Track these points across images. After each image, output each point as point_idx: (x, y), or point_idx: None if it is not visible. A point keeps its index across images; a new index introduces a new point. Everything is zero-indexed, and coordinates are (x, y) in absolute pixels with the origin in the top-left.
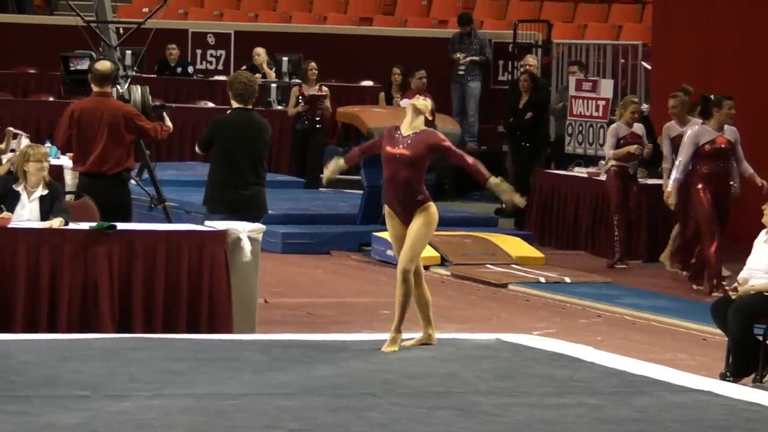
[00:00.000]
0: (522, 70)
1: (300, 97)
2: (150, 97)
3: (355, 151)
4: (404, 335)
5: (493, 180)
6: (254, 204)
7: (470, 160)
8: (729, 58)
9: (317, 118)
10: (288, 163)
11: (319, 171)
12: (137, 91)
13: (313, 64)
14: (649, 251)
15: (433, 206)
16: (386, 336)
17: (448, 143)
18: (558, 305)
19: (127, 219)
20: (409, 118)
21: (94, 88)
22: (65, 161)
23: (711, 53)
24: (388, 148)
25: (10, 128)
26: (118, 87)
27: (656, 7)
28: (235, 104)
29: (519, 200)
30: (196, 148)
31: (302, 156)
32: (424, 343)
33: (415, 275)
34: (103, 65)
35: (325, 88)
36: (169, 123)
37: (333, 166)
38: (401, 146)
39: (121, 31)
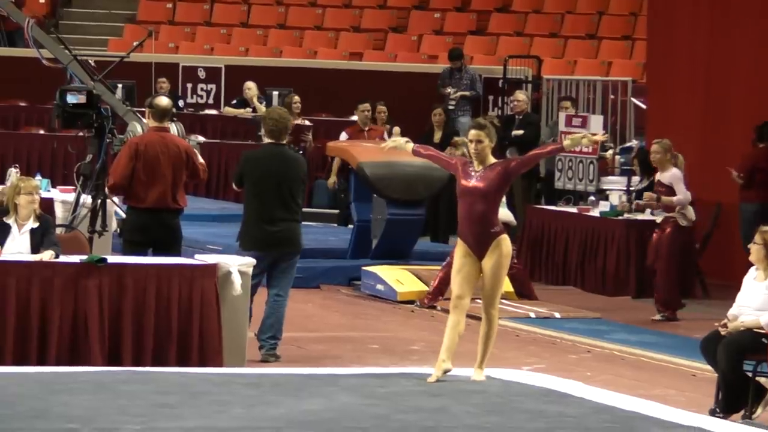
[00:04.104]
0: (436, 106)
1: None
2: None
3: (426, 150)
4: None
5: (567, 143)
6: (285, 240)
7: (544, 151)
8: (728, 94)
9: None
10: None
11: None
12: (173, 127)
13: (296, 97)
14: (638, 287)
15: (506, 239)
16: (375, 370)
17: (516, 160)
18: (548, 340)
19: (179, 253)
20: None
21: (153, 123)
22: (56, 194)
23: (710, 88)
24: (463, 182)
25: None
26: (173, 124)
27: (651, 44)
28: (267, 140)
29: (593, 138)
30: (234, 185)
31: None
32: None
33: (462, 307)
34: (161, 101)
35: (307, 121)
36: (201, 160)
37: (398, 144)
38: (475, 180)
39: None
